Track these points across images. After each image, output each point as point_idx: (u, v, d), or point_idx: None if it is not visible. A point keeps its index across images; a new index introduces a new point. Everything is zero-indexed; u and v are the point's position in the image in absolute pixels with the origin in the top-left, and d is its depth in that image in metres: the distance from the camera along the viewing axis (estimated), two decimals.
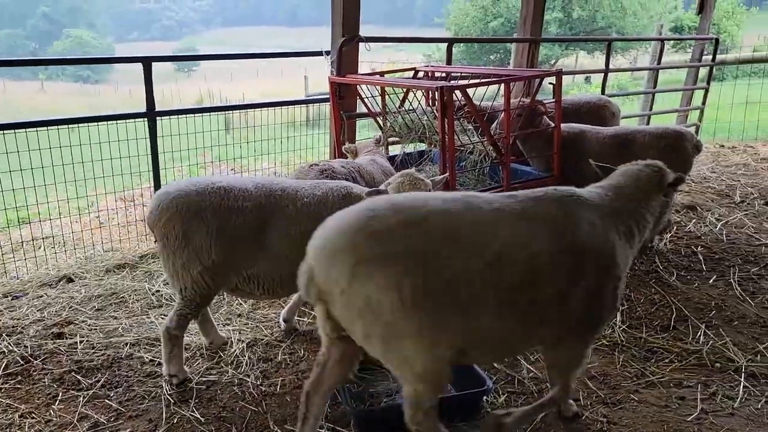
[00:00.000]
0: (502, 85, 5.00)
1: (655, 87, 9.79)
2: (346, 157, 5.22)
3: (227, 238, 3.23)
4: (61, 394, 3.43)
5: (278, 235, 3.35)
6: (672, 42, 17.39)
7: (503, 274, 2.43)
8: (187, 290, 3.29)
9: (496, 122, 5.47)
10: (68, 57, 6.84)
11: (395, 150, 6.34)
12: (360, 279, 2.31)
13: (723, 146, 9.59)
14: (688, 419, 3.16)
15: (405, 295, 2.28)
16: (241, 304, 4.47)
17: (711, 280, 4.81)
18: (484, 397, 3.27)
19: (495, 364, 3.65)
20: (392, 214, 2.40)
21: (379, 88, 5.87)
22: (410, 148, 5.96)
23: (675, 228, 5.87)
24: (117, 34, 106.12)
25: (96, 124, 5.42)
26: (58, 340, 3.98)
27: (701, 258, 5.21)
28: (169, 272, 3.31)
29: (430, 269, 2.34)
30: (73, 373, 3.62)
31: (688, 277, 4.89)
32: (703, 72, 10.43)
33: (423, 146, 5.93)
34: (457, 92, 4.78)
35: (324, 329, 2.61)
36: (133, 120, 5.49)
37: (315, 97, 7.85)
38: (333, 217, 2.53)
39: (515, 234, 2.50)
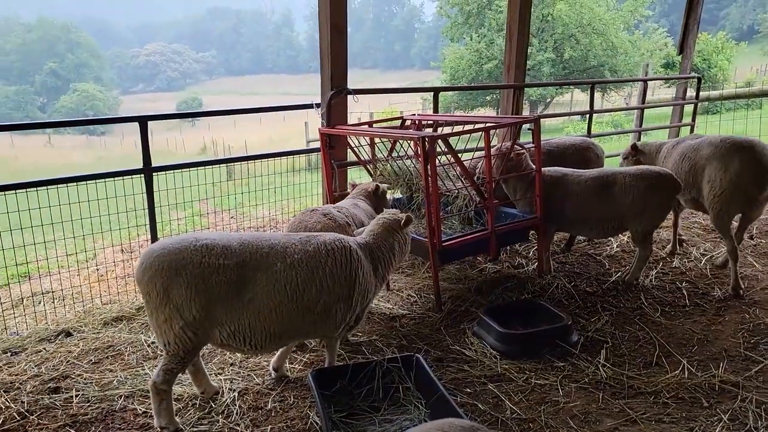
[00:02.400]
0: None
1: (641, 125, 10.08)
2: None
3: (206, 294, 3.33)
4: None
5: (265, 293, 3.43)
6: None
7: None
8: (170, 345, 3.40)
9: (479, 165, 5.69)
10: (67, 120, 7.27)
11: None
12: None
13: None
14: None
15: None
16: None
17: (695, 316, 4.90)
18: None
19: (479, 405, 3.73)
20: None
21: (368, 137, 6.10)
22: (398, 193, 6.17)
23: (661, 264, 5.97)
24: (123, 86, 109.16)
25: (95, 181, 5.63)
26: (54, 395, 4.08)
27: (685, 293, 5.30)
28: (153, 327, 3.44)
29: None
30: (67, 428, 3.71)
31: (672, 312, 4.98)
32: (689, 108, 10.68)
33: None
34: (440, 141, 4.99)
35: None
36: (130, 177, 5.72)
37: (311, 147, 8.13)
38: None
39: None
